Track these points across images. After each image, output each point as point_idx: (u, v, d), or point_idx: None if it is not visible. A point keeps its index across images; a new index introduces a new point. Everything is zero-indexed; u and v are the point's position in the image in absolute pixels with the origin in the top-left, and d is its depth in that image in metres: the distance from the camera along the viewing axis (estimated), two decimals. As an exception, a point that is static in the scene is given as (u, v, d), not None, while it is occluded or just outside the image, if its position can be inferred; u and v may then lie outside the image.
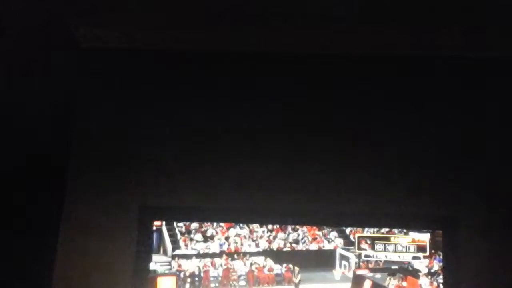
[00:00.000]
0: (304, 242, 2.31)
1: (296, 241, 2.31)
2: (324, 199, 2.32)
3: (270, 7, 2.26)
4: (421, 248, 2.24)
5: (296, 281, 2.26)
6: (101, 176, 2.38)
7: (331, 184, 2.34)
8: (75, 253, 2.31)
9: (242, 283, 2.26)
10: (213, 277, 2.26)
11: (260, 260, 2.30)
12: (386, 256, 2.25)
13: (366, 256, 2.26)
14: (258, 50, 2.46)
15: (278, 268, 2.30)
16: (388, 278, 2.25)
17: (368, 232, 2.29)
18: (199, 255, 2.28)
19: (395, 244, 2.25)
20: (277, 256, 2.30)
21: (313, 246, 2.32)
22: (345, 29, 2.38)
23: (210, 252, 2.29)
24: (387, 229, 2.28)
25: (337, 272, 2.27)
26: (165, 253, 2.28)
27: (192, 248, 2.29)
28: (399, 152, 2.36)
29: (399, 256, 2.24)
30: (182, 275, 2.26)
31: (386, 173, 2.34)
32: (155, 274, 2.26)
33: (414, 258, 2.24)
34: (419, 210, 2.29)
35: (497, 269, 2.22)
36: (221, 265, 2.27)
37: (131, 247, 2.28)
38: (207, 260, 2.28)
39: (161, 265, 2.26)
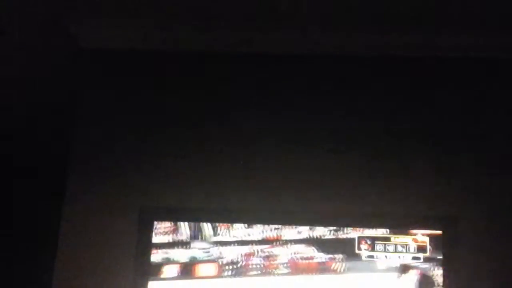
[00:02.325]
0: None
1: (338, 229, 2.24)
2: (322, 199, 2.31)
3: (270, 8, 2.27)
4: (421, 248, 2.24)
5: (341, 270, 2.20)
6: (101, 176, 2.38)
7: (330, 184, 2.33)
8: (75, 254, 2.30)
9: (284, 270, 2.21)
10: (254, 264, 2.21)
11: (302, 248, 2.24)
12: (386, 257, 2.24)
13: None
14: (258, 50, 2.46)
15: (321, 256, 2.22)
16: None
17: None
18: (240, 242, 2.23)
19: (395, 245, 2.25)
20: (320, 244, 2.23)
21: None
22: (345, 29, 2.38)
23: (251, 239, 2.24)
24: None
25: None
26: (205, 239, 2.24)
27: (232, 236, 2.25)
28: (399, 152, 2.36)
29: (399, 257, 2.24)
30: (222, 262, 2.21)
31: (386, 173, 2.34)
32: (195, 260, 2.22)
33: (414, 258, 2.24)
34: (419, 210, 2.29)
35: (497, 269, 2.22)
36: (262, 252, 2.21)
37: (131, 247, 2.27)
38: (250, 247, 2.23)
39: (203, 252, 2.22)
